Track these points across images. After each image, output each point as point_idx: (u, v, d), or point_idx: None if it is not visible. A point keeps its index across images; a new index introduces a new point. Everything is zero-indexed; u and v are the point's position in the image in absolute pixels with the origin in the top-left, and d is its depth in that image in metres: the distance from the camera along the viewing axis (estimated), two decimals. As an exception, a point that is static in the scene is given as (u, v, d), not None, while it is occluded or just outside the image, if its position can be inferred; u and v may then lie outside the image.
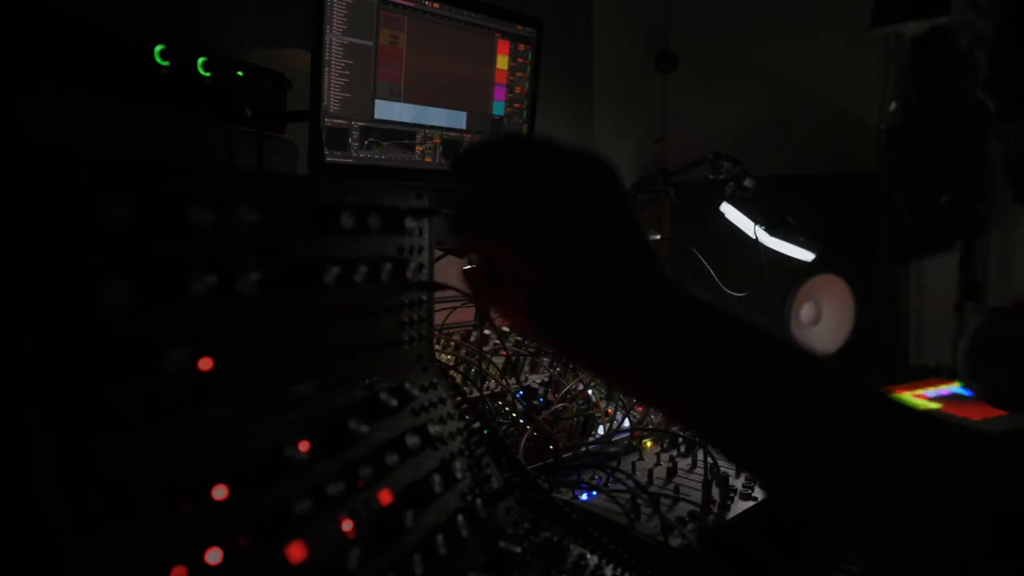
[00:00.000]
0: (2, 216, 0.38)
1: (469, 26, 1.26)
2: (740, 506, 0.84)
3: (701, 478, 0.86)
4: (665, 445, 1.02)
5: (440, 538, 0.59)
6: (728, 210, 1.55)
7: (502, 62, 1.32)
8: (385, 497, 0.57)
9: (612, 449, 1.00)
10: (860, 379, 0.41)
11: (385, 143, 1.17)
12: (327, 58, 1.06)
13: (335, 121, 1.10)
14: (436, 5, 1.19)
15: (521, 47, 1.35)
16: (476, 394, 0.97)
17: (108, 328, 0.41)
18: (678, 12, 2.10)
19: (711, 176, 1.60)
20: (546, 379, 1.09)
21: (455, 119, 1.28)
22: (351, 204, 0.59)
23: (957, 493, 0.35)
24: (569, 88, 1.79)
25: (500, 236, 0.43)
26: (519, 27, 1.34)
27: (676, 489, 0.87)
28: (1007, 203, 1.83)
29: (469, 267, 0.47)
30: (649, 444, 1.03)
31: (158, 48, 0.81)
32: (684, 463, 0.96)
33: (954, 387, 1.61)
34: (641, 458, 0.97)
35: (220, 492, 0.45)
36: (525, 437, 0.90)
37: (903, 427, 0.39)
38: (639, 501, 0.82)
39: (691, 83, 2.09)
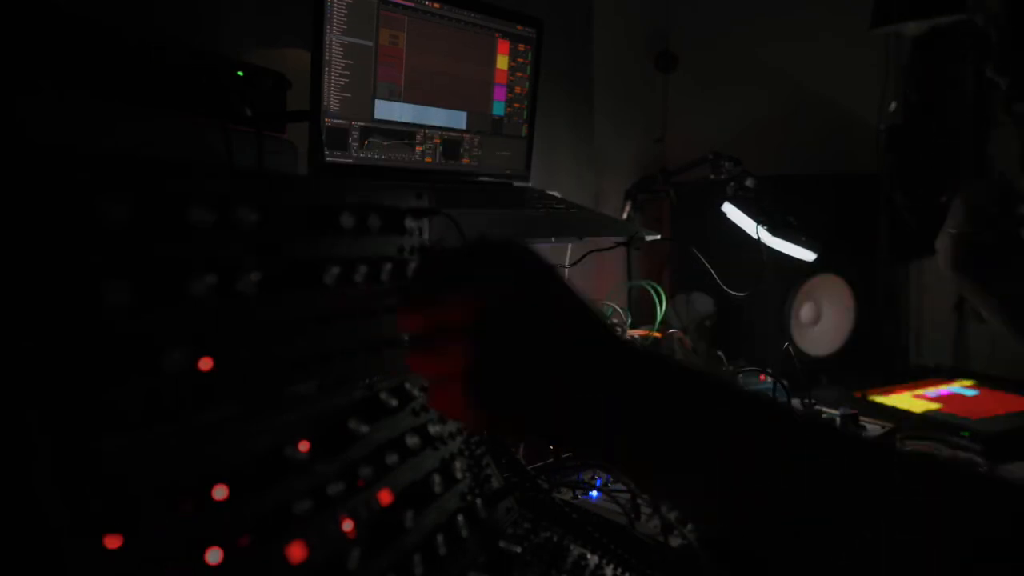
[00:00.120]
0: (2, 216, 0.38)
1: (469, 26, 1.26)
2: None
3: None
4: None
5: (440, 538, 0.59)
6: (730, 210, 1.55)
7: (502, 62, 1.32)
8: (385, 497, 0.57)
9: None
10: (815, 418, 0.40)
11: (385, 143, 1.17)
12: (327, 58, 1.06)
13: (335, 121, 1.10)
14: (436, 5, 1.19)
15: (521, 47, 1.35)
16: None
17: (108, 328, 0.41)
18: (678, 12, 2.10)
19: (711, 176, 1.60)
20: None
21: (455, 119, 1.28)
22: (351, 204, 0.59)
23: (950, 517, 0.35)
24: (569, 88, 1.79)
25: (443, 304, 0.44)
26: (519, 27, 1.34)
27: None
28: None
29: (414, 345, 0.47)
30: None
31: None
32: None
33: (954, 387, 1.61)
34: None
35: (220, 492, 0.45)
36: (525, 437, 0.90)
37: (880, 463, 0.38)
38: (639, 501, 0.82)
39: (691, 83, 2.09)
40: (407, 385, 0.65)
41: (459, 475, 0.65)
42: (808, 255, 1.50)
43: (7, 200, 0.38)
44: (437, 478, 0.62)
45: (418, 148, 1.23)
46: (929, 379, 1.67)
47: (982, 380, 1.65)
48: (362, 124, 1.14)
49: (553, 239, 1.29)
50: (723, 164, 1.58)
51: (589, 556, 0.68)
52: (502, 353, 0.42)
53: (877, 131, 1.87)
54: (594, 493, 0.86)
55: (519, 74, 1.36)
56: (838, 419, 1.21)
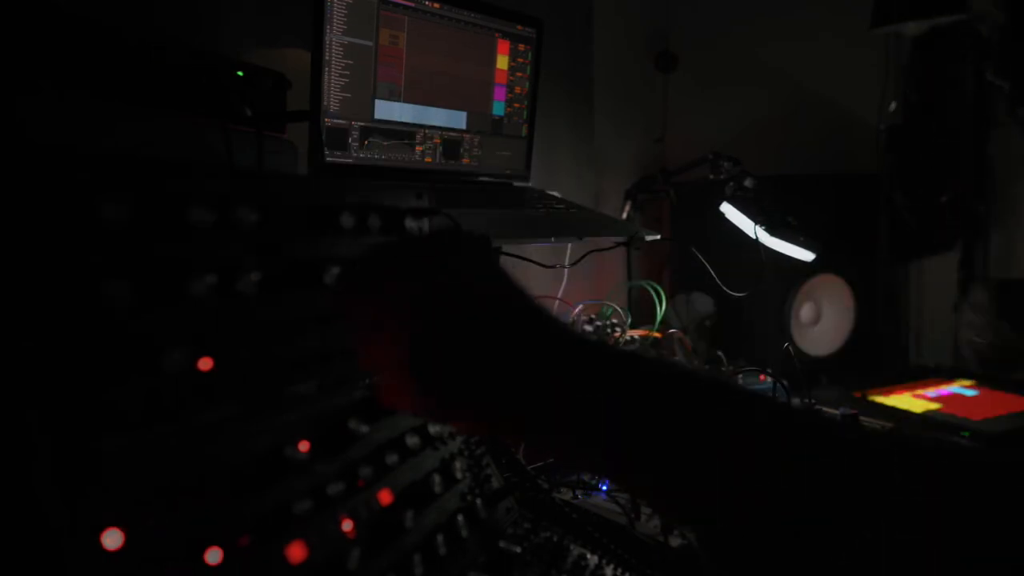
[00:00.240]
0: (2, 216, 0.38)
1: (469, 26, 1.26)
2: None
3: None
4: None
5: (440, 538, 0.59)
6: (729, 210, 1.55)
7: (502, 62, 1.32)
8: (385, 497, 0.57)
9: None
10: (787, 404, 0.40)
11: (385, 143, 1.17)
12: (327, 58, 1.06)
13: (335, 121, 1.10)
14: (436, 5, 1.19)
15: (521, 47, 1.35)
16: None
17: (108, 328, 0.41)
18: (678, 12, 2.10)
19: (711, 176, 1.60)
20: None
21: (455, 119, 1.28)
22: (351, 204, 0.59)
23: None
24: (569, 88, 1.79)
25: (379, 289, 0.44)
26: (519, 27, 1.34)
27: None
28: (1007, 203, 1.83)
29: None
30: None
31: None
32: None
33: (954, 387, 1.61)
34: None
35: (220, 492, 0.45)
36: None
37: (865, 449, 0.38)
38: (639, 501, 0.82)
39: (691, 83, 2.09)
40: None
41: (459, 475, 0.65)
42: (808, 255, 1.50)
43: (7, 200, 0.38)
44: (437, 478, 0.62)
45: (418, 148, 1.23)
46: (929, 379, 1.67)
47: (982, 380, 1.65)
48: (362, 124, 1.14)
49: (553, 239, 1.29)
50: (723, 164, 1.58)
51: (589, 556, 0.68)
52: (440, 334, 0.42)
53: (877, 131, 1.87)
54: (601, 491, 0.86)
55: (519, 74, 1.36)
56: (838, 419, 1.21)
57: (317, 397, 0.56)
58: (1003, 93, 0.60)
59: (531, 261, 1.31)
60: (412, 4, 1.16)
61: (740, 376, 1.41)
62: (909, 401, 1.49)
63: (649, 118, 2.09)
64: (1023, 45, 0.56)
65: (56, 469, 0.38)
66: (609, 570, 0.67)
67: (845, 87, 1.91)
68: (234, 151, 0.80)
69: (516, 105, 1.37)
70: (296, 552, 0.48)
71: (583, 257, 1.40)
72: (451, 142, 1.28)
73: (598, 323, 1.34)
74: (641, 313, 1.58)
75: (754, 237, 1.48)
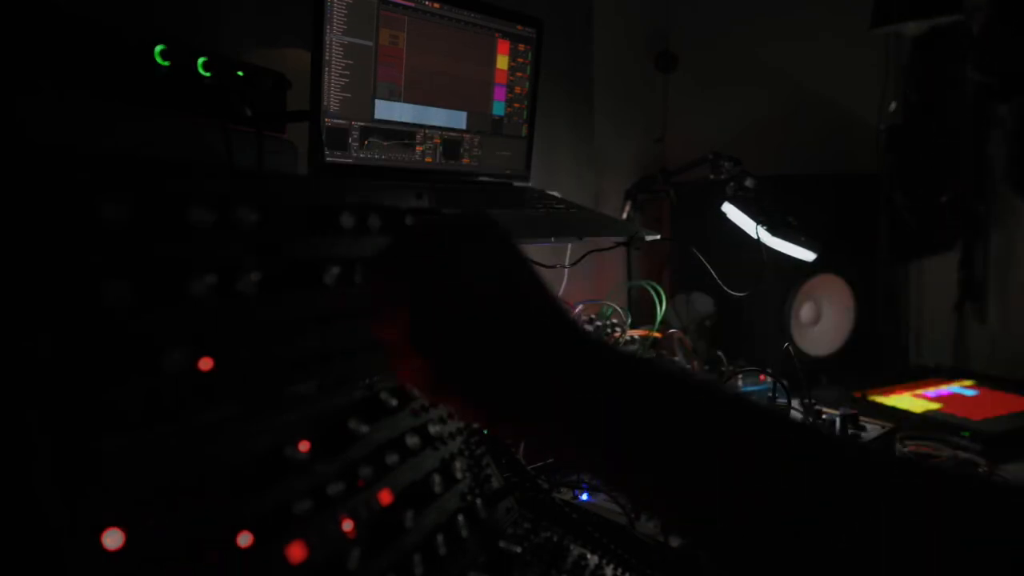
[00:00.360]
0: (2, 216, 0.38)
1: (469, 26, 1.26)
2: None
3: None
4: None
5: (440, 538, 0.59)
6: (729, 210, 1.55)
7: (502, 62, 1.32)
8: (385, 497, 0.57)
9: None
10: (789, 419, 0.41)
11: (385, 143, 1.17)
12: (327, 58, 1.06)
13: (335, 121, 1.10)
14: (436, 5, 1.19)
15: (521, 47, 1.35)
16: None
17: (108, 328, 0.41)
18: (678, 12, 2.10)
19: (711, 176, 1.60)
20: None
21: (455, 119, 1.28)
22: (351, 204, 0.59)
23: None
24: (569, 88, 1.79)
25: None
26: (519, 27, 1.34)
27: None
28: (1007, 203, 1.83)
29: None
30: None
31: (158, 48, 0.81)
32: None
33: (954, 387, 1.62)
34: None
35: (220, 492, 0.45)
36: (525, 437, 0.90)
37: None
38: (638, 504, 0.82)
39: (691, 83, 2.09)
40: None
41: (459, 475, 0.65)
42: (808, 255, 1.50)
43: (7, 200, 0.38)
44: (437, 478, 0.62)
45: (418, 148, 1.23)
46: (929, 379, 1.67)
47: (982, 380, 1.65)
48: (362, 124, 1.14)
49: (553, 239, 1.29)
50: (723, 164, 1.58)
51: (589, 556, 0.68)
52: (449, 312, 0.43)
53: (877, 131, 1.87)
54: (584, 496, 0.86)
55: (519, 74, 1.36)
56: (838, 419, 1.21)
57: (317, 397, 0.56)
58: (986, 90, 0.59)
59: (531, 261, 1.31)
60: (412, 4, 1.16)
61: (740, 376, 1.41)
62: (909, 401, 1.49)
63: (649, 118, 2.09)
64: (1012, 36, 0.54)
65: (56, 469, 0.38)
66: (609, 570, 0.67)
67: (845, 87, 1.91)
68: (234, 151, 0.80)
69: (516, 105, 1.37)
70: (296, 552, 0.48)
71: (583, 257, 1.40)
72: (451, 142, 1.28)
73: (598, 323, 1.34)
74: (641, 313, 1.58)
75: (755, 237, 1.48)
